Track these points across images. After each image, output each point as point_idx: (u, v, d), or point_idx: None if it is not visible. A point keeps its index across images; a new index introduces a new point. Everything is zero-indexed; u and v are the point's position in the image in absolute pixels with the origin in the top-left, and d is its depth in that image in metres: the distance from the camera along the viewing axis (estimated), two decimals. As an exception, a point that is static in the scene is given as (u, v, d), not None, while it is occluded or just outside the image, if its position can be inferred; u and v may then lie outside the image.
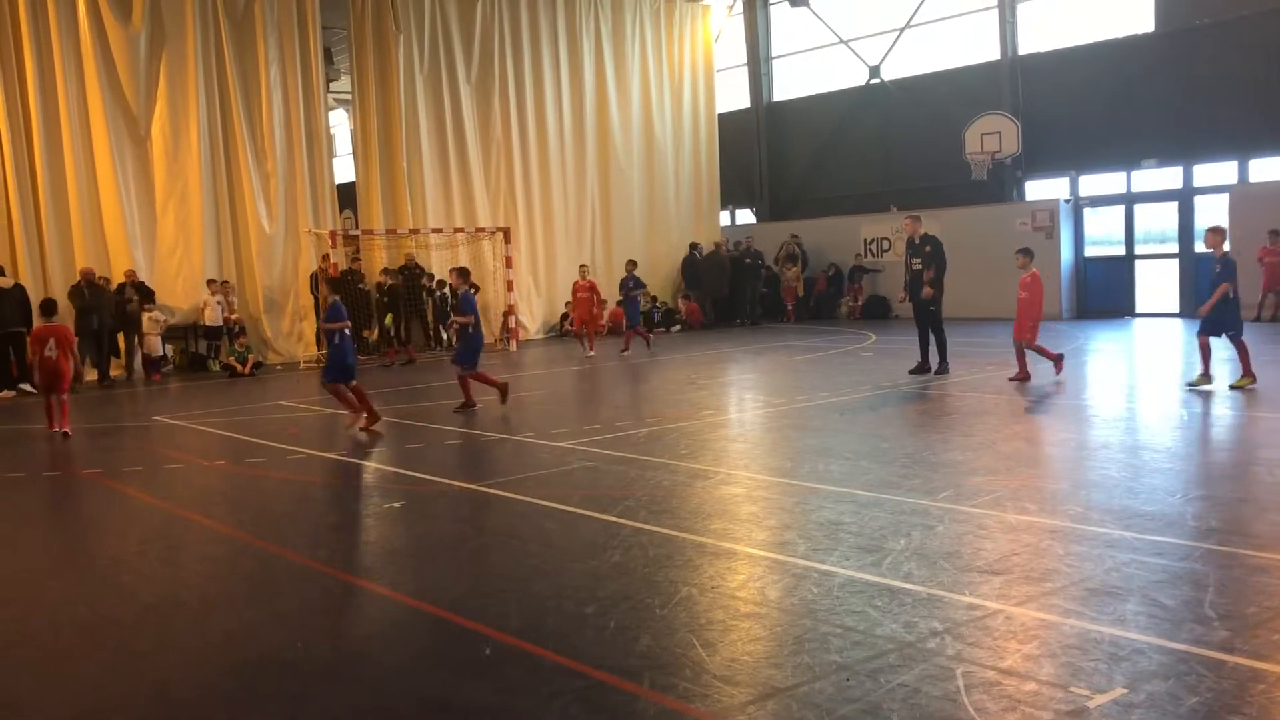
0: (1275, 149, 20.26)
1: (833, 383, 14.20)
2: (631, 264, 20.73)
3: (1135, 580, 5.33)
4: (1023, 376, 13.32)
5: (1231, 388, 11.94)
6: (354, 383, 11.86)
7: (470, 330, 12.86)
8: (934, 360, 14.38)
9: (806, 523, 6.90)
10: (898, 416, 11.26)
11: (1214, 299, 12.03)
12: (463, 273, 13.43)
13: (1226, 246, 12.27)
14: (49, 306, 12.62)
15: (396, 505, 8.10)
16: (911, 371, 14.47)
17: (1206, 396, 11.63)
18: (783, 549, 6.27)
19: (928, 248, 14.33)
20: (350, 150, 26.22)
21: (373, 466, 9.91)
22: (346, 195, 23.78)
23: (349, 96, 24.48)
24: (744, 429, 11.19)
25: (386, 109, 22.47)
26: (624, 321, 20.80)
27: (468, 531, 7.14)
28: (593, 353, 19.47)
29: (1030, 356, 13.65)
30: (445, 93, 23.18)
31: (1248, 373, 11.99)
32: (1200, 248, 21.55)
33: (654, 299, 25.47)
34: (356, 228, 22.45)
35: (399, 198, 22.60)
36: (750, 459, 9.48)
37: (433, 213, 22.91)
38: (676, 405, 12.69)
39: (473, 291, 13.45)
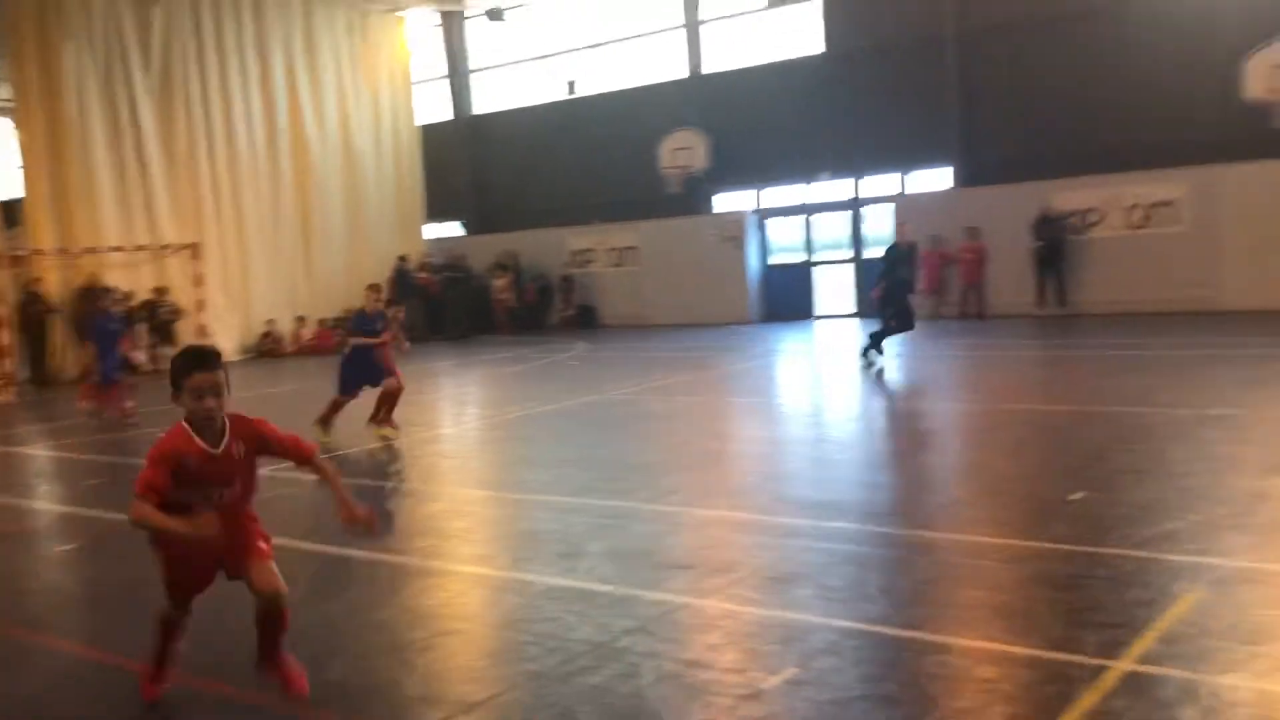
0: (931, 162, 22.40)
1: (540, 392, 14.39)
2: (101, 291, 15.94)
3: (809, 565, 5.76)
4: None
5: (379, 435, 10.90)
6: None
7: None
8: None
9: (510, 533, 6.98)
10: (600, 423, 11.56)
11: (369, 342, 10.92)
12: None
13: (393, 310, 12.06)
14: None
15: (70, 548, 7.50)
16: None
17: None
18: (485, 562, 6.32)
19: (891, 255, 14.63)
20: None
21: (45, 507, 9.11)
22: (19, 212, 21.64)
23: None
24: (452, 444, 11.15)
25: (54, 119, 20.66)
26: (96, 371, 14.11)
27: (150, 573, 6.70)
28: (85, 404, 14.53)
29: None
30: (122, 102, 21.60)
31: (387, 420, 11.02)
32: (870, 254, 23.47)
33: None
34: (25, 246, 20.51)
35: (73, 213, 20.82)
36: (458, 474, 9.47)
37: (113, 229, 21.29)
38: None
39: None
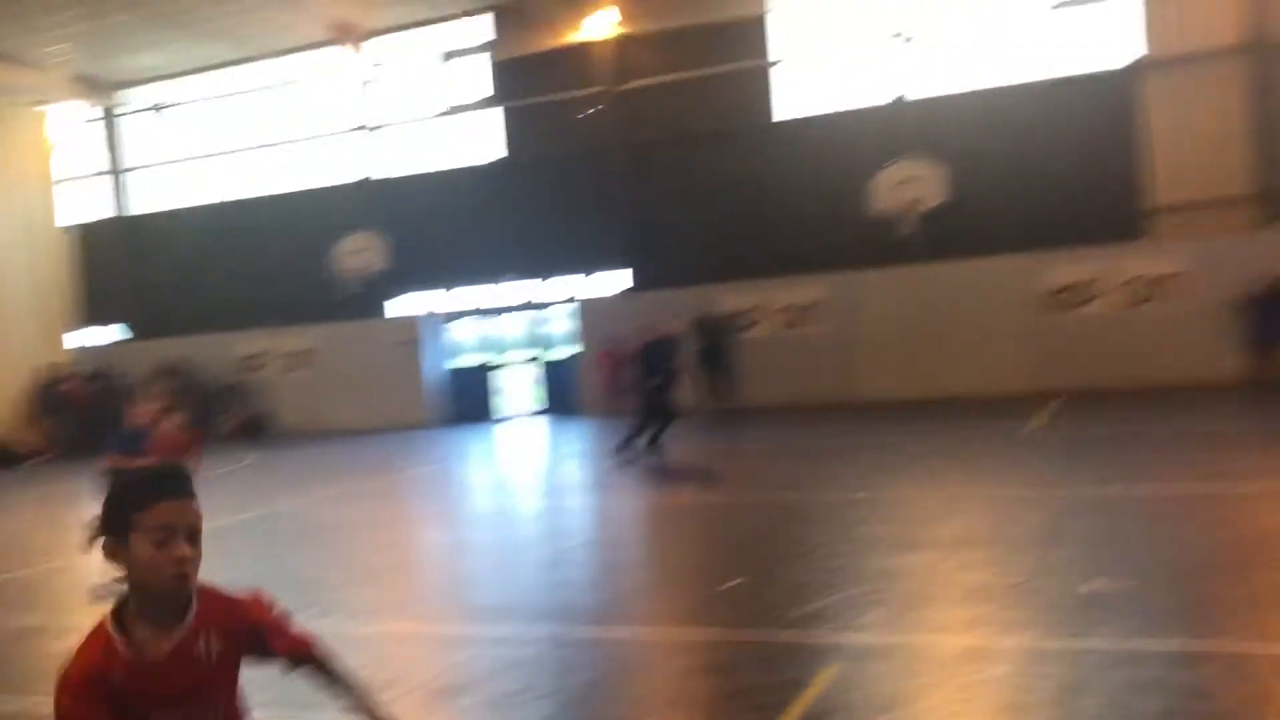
0: (609, 266, 23.26)
1: (204, 507, 13.45)
2: None
3: (478, 673, 5.66)
4: None
5: None
6: None
7: None
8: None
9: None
10: (266, 538, 10.92)
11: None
12: None
13: None
14: None
15: None
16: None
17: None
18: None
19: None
20: None
21: None
22: None
23: None
24: (93, 572, 10.14)
25: None
26: None
27: None
28: None
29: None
30: None
31: None
32: (556, 355, 23.97)
33: None
34: None
35: None
36: (98, 606, 8.60)
37: None
38: (18, 551, 11.16)
39: None
